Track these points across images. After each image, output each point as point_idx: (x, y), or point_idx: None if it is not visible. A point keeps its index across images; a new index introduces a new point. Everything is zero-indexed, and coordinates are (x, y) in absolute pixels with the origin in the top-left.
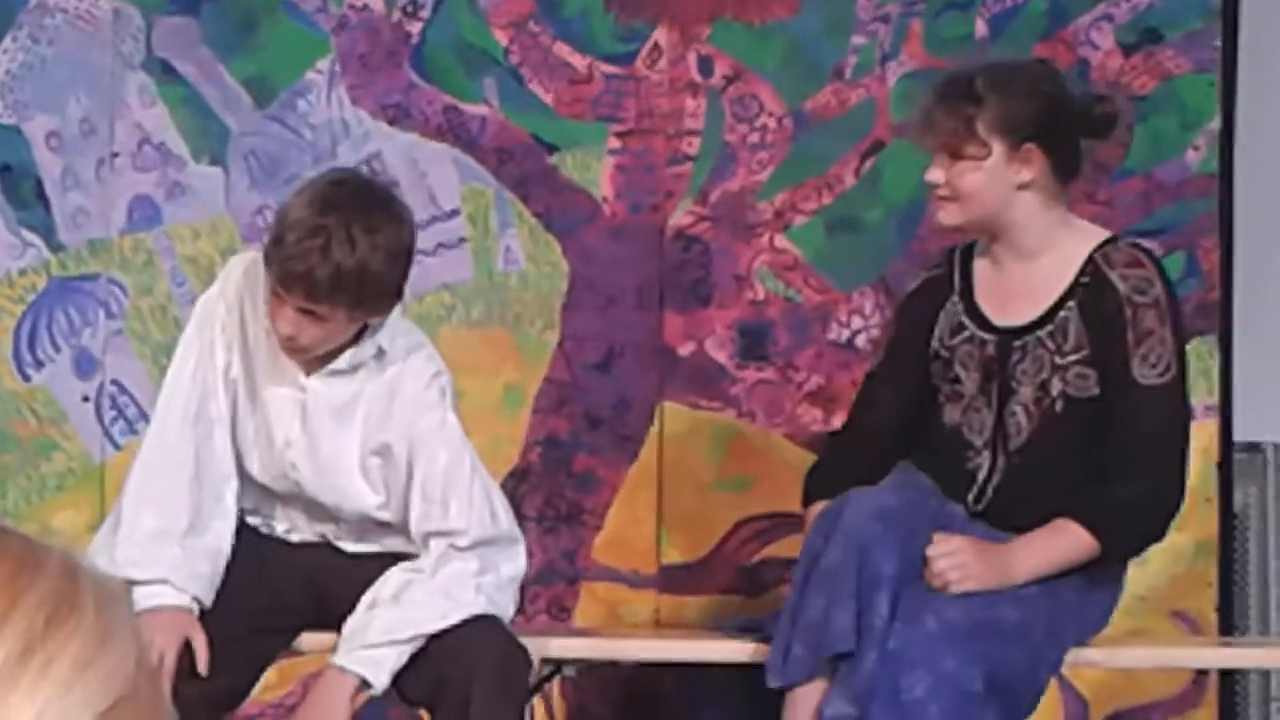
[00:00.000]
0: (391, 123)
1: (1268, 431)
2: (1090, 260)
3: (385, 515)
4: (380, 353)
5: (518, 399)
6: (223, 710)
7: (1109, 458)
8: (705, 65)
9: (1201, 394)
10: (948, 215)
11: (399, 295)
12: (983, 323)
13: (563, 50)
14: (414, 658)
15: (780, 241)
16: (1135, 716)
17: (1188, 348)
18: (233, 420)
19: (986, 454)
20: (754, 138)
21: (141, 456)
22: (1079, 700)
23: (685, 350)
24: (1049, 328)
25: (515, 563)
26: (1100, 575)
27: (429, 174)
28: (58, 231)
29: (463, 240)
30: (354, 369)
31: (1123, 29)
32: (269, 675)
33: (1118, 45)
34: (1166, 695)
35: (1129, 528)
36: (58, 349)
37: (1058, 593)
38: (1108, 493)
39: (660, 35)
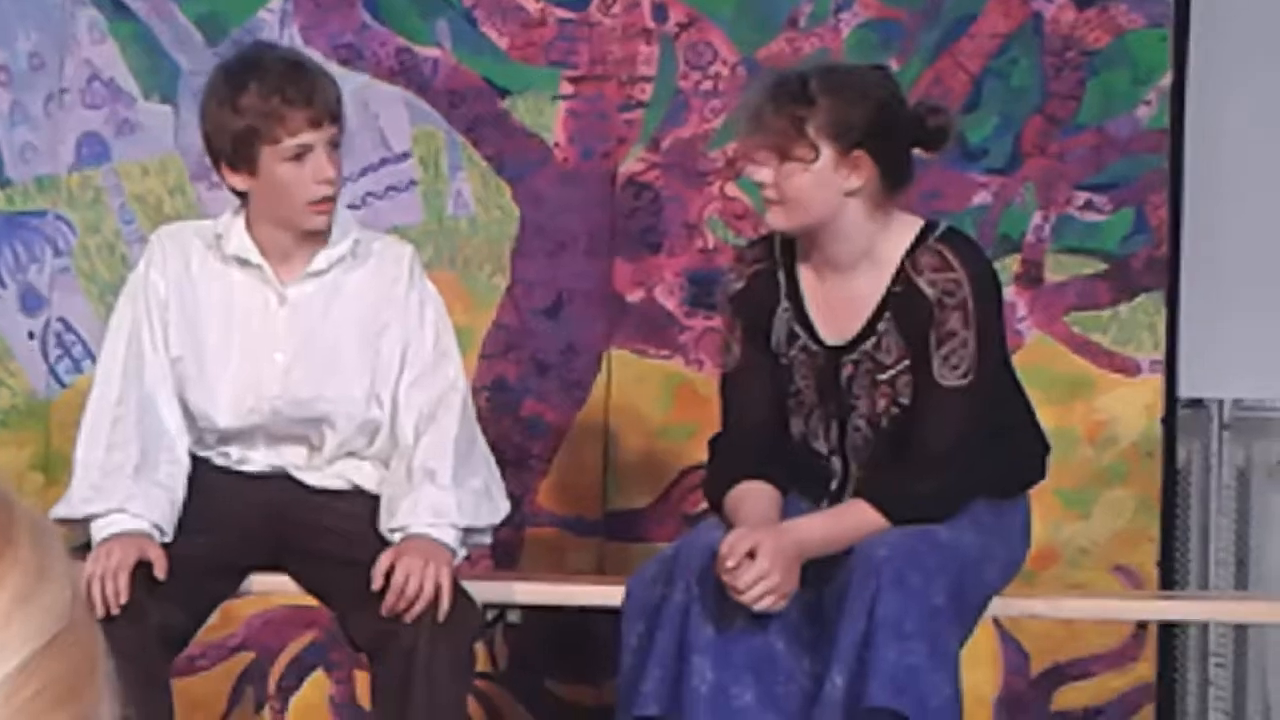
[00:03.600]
0: (343, 63)
1: (1212, 388)
2: (900, 269)
3: (374, 413)
4: (356, 244)
5: (466, 343)
6: (174, 649)
7: (910, 454)
8: (659, 12)
9: (1147, 349)
10: (774, 219)
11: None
12: (813, 335)
13: None
14: (362, 603)
15: (731, 190)
16: (1075, 669)
17: (1133, 303)
18: (181, 389)
19: (836, 460)
20: (707, 85)
21: (86, 414)
22: (1020, 652)
23: (634, 297)
24: (871, 341)
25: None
26: (1006, 503)
27: (380, 116)
28: (5, 167)
29: (413, 183)
30: (330, 267)
31: None
32: (213, 615)
33: (1071, 0)
34: (1106, 648)
35: (917, 515)
36: (4, 285)
37: (973, 515)
38: (903, 484)
39: None
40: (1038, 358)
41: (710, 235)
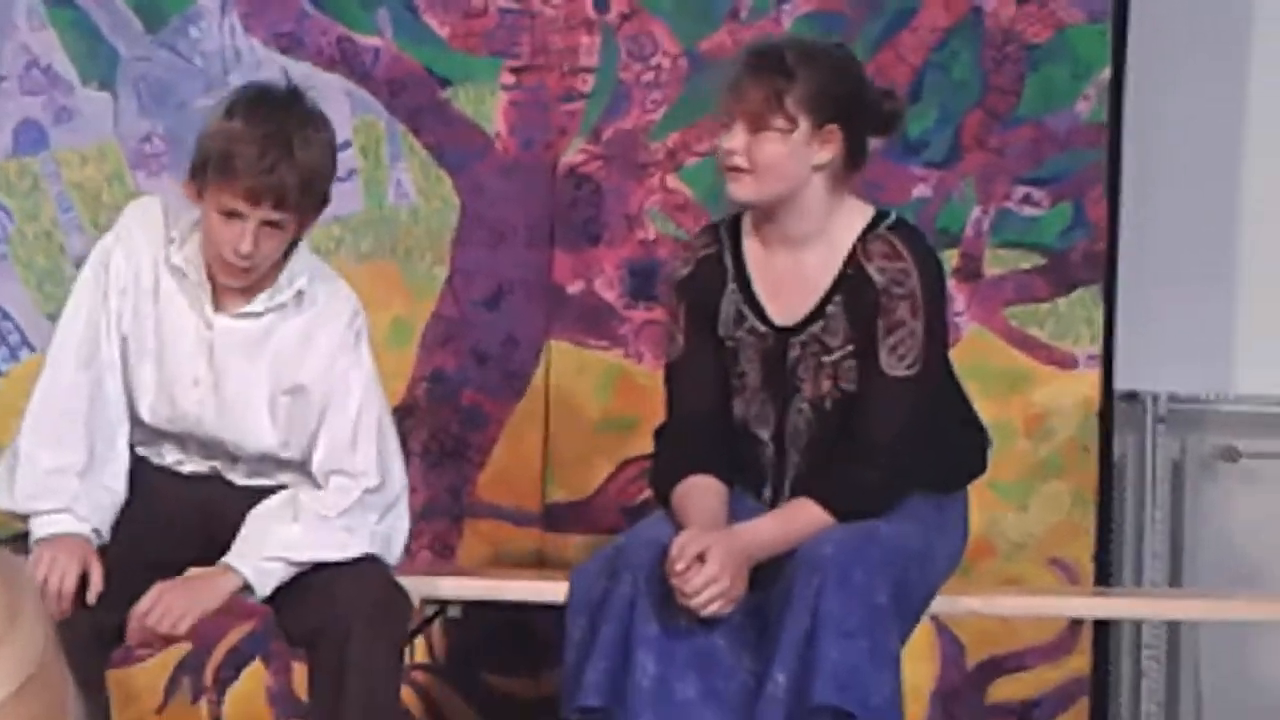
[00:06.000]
0: (284, 52)
1: (1148, 381)
2: (852, 253)
3: (286, 454)
4: (299, 296)
5: (405, 333)
6: (111, 644)
7: (852, 446)
8: (601, 2)
9: (1084, 343)
10: (742, 189)
11: (329, 200)
12: (761, 316)
13: None
14: (298, 597)
15: (672, 181)
16: (1010, 661)
17: (1071, 297)
18: (124, 369)
19: (772, 447)
20: (648, 76)
21: (35, 398)
22: (955, 644)
23: (574, 289)
24: (820, 323)
25: (403, 520)
26: (946, 497)
27: (320, 104)
28: None
29: (353, 172)
30: (268, 310)
31: None
32: None
33: None
34: (1041, 641)
35: (863, 508)
36: None
37: (914, 510)
38: (848, 477)
39: None
40: (976, 351)
41: (651, 227)
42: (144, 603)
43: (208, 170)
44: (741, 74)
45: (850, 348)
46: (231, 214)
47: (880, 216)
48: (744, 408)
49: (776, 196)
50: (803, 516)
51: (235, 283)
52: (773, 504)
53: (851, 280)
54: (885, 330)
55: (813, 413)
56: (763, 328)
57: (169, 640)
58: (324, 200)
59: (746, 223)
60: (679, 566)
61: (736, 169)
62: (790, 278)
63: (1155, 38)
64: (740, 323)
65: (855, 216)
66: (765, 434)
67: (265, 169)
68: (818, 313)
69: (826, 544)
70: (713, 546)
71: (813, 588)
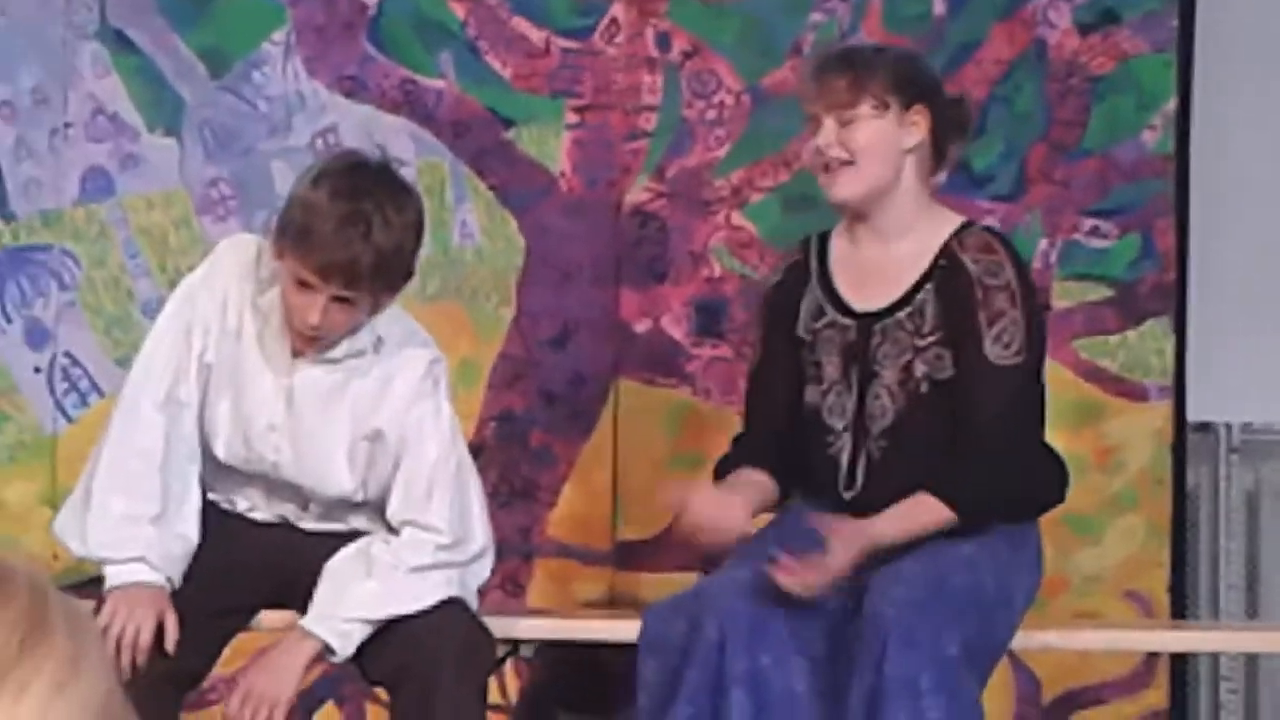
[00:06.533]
0: (348, 95)
1: (1220, 412)
2: (946, 244)
3: (360, 498)
4: (379, 341)
5: (473, 374)
6: (185, 689)
7: (965, 436)
8: (663, 40)
9: (1155, 375)
10: (845, 184)
11: (413, 273)
12: (842, 307)
13: (520, 24)
14: (378, 634)
15: (737, 218)
16: (1087, 696)
17: (1141, 329)
18: (201, 404)
19: (848, 437)
20: (711, 114)
21: (110, 436)
22: (1031, 679)
23: (641, 327)
24: (908, 309)
25: (483, 566)
26: (1017, 527)
27: (385, 147)
28: (10, 201)
29: None
30: (347, 357)
31: (1080, 9)
32: (224, 653)
33: (1075, 25)
34: (1118, 675)
35: (987, 503)
36: (9, 320)
37: (994, 550)
38: (964, 469)
39: (618, 10)
40: (1046, 384)
41: (716, 264)
42: (234, 702)
43: (287, 236)
44: (821, 70)
45: (940, 334)
46: (304, 284)
47: (970, 222)
48: (819, 398)
49: (877, 186)
50: (924, 513)
51: (305, 348)
52: (849, 491)
53: (944, 270)
54: (987, 321)
55: (890, 401)
56: (844, 319)
57: None
58: (406, 275)
59: (839, 227)
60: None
61: (835, 162)
62: (877, 268)
63: (1221, 66)
64: (819, 317)
65: (947, 217)
66: (840, 424)
67: (340, 246)
68: (906, 299)
69: (888, 604)
70: (837, 530)
71: (876, 649)
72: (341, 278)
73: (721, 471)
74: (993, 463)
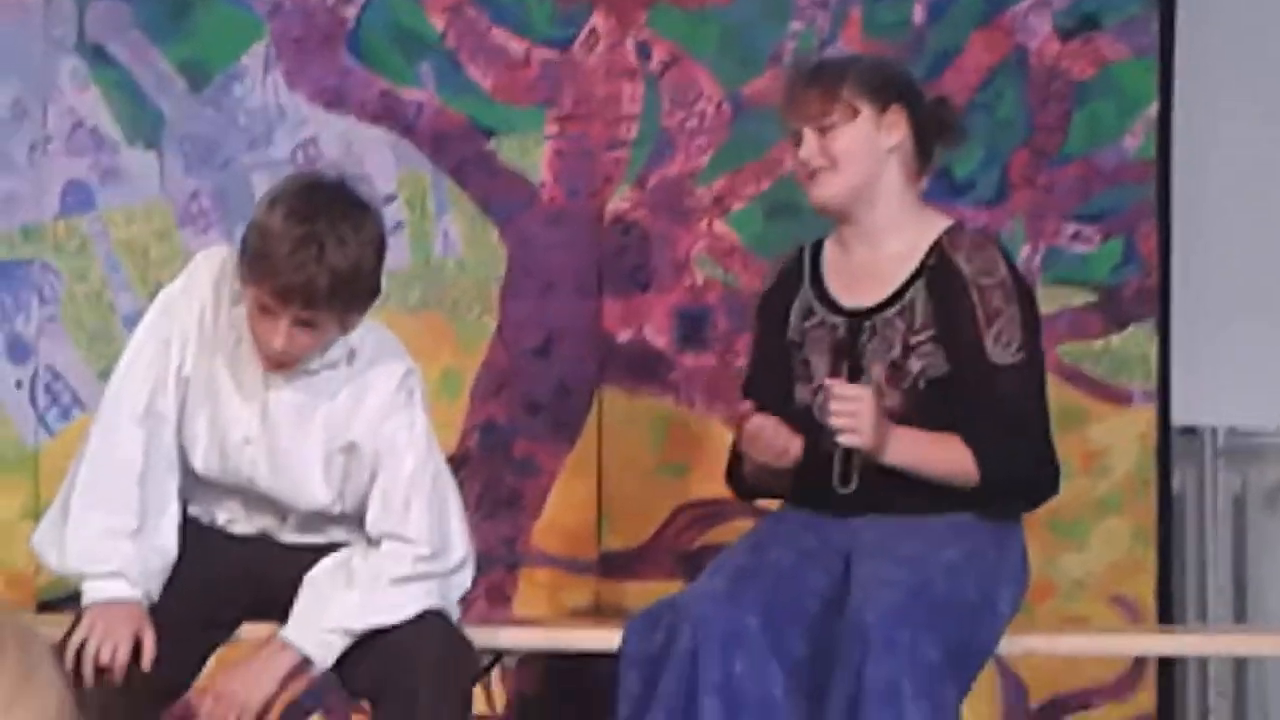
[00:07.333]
0: (328, 107)
1: (1205, 416)
2: (936, 244)
3: (338, 509)
4: (352, 353)
5: (455, 385)
6: (166, 702)
7: (981, 438)
8: (643, 50)
9: (1139, 379)
10: (825, 186)
11: (379, 289)
12: (832, 306)
13: (500, 35)
14: (359, 646)
15: (719, 227)
16: (1074, 701)
17: (1125, 333)
18: (180, 417)
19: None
20: (692, 123)
21: (89, 450)
22: (1018, 685)
23: (624, 336)
24: (897, 306)
25: (464, 576)
26: (1003, 531)
27: (365, 159)
28: None
29: (399, 225)
30: (322, 369)
31: (1061, 15)
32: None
33: (1056, 31)
34: (1105, 680)
35: (1010, 481)
36: None
37: (978, 555)
38: (997, 450)
39: (598, 20)
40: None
41: (699, 273)
42: (205, 703)
43: (245, 261)
44: (794, 84)
45: (932, 331)
46: (265, 309)
47: (959, 224)
48: (809, 397)
49: (857, 188)
50: (951, 450)
51: (274, 371)
52: (844, 488)
53: (935, 267)
54: (986, 320)
55: (883, 396)
56: (833, 317)
57: None
58: (371, 293)
59: (831, 236)
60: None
61: (815, 172)
62: (868, 268)
63: (1202, 71)
64: (809, 316)
65: (935, 220)
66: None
67: (294, 269)
68: (897, 296)
69: (869, 610)
70: (866, 404)
71: (855, 654)
72: (299, 300)
73: (734, 464)
74: (1025, 460)
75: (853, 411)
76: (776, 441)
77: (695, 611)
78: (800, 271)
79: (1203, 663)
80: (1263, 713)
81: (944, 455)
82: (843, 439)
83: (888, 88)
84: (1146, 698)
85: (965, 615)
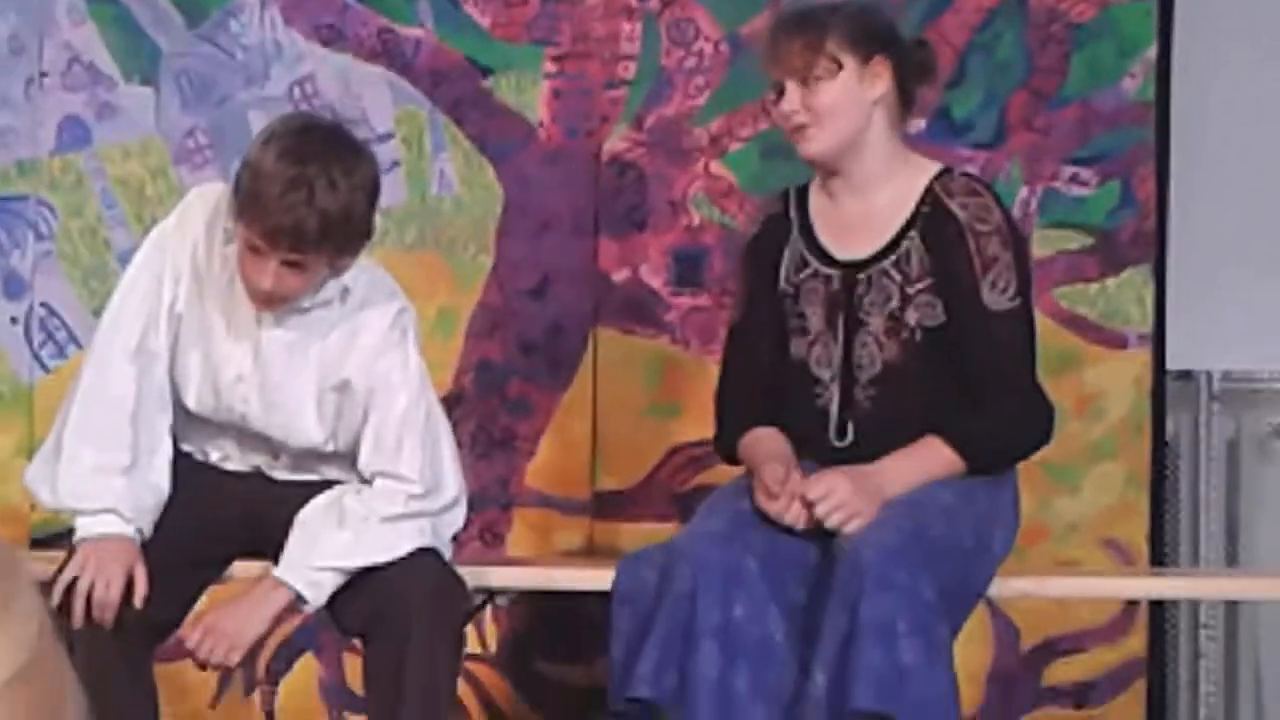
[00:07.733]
0: (325, 44)
1: (1200, 360)
2: (929, 190)
3: (331, 448)
4: (345, 292)
5: (450, 324)
6: (157, 639)
7: (974, 386)
8: None
9: (1135, 322)
10: (810, 143)
11: (372, 233)
12: (825, 258)
13: None
14: (351, 585)
15: (716, 167)
16: (1066, 643)
17: (1121, 277)
18: (172, 354)
19: (835, 388)
20: (690, 62)
21: (80, 387)
22: (1010, 627)
23: (620, 276)
24: (893, 258)
25: (457, 515)
26: (998, 481)
27: (363, 96)
28: None
29: (396, 163)
30: (314, 308)
31: None
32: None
33: None
34: (1097, 623)
35: (996, 449)
36: None
37: (972, 498)
38: (977, 416)
39: None
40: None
41: (695, 213)
42: (194, 635)
43: (238, 199)
44: (776, 35)
45: (930, 281)
46: (254, 249)
47: (948, 168)
48: (804, 350)
49: (844, 141)
50: (934, 456)
51: (262, 309)
52: (841, 440)
53: (929, 215)
54: (983, 267)
55: (881, 348)
56: (827, 270)
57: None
58: (363, 235)
59: (815, 181)
60: (776, 489)
61: (801, 126)
62: (859, 219)
63: (1201, 13)
64: (803, 268)
65: (924, 165)
66: (827, 374)
67: (284, 210)
68: (891, 247)
69: (868, 547)
70: (841, 482)
71: (852, 591)
72: (288, 242)
73: (729, 438)
74: (999, 409)
75: (838, 504)
76: (773, 491)
77: (695, 552)
78: (788, 218)
79: (1194, 607)
80: (1254, 656)
81: (928, 467)
82: (848, 530)
83: (871, 39)
84: (1138, 641)
85: (960, 557)
